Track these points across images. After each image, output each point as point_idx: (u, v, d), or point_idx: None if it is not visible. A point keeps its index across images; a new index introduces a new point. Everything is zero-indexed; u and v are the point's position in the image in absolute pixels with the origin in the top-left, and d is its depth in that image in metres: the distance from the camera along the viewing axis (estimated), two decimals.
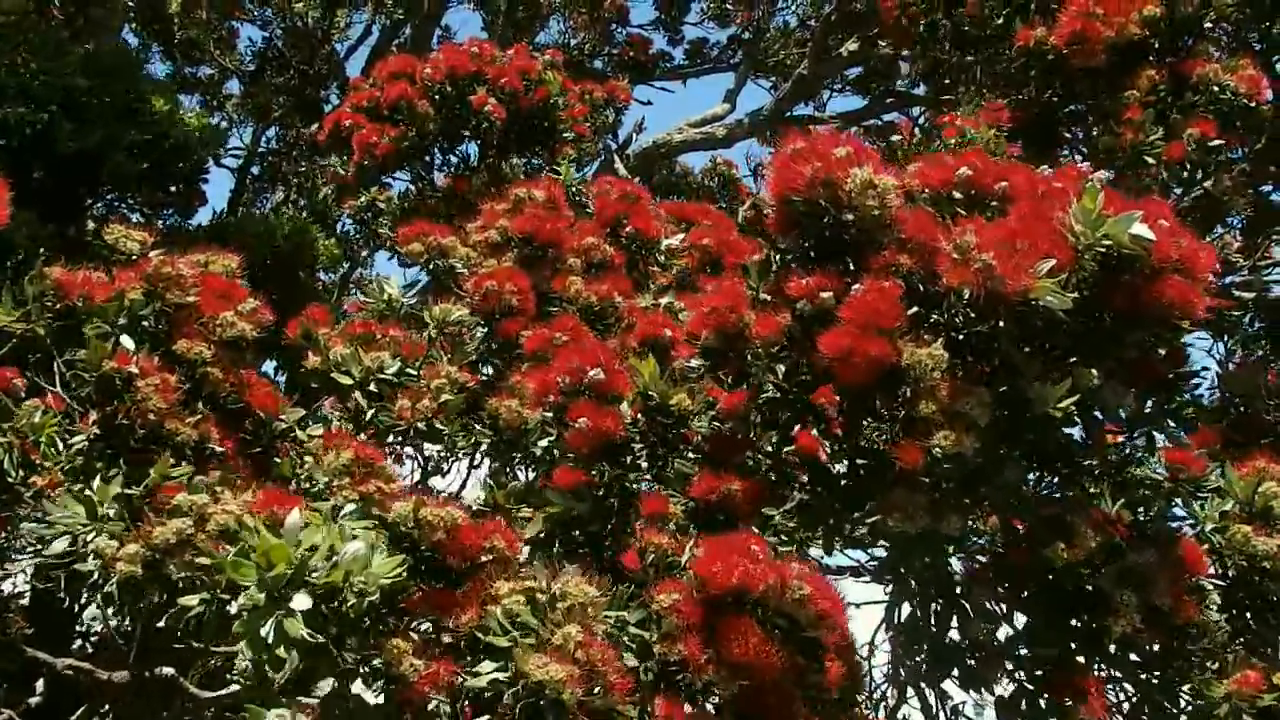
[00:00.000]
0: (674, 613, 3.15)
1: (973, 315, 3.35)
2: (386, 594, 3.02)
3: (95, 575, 3.45)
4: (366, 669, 3.11)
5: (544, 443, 4.53)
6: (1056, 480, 3.96)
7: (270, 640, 2.74)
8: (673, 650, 3.13)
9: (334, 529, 2.94)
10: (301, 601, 2.77)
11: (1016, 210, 3.37)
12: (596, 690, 2.88)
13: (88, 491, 3.61)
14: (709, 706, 3.19)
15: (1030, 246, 3.18)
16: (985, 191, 3.54)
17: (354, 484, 3.60)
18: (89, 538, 3.52)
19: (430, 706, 2.98)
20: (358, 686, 3.17)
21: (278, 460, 4.15)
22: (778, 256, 3.75)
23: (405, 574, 3.05)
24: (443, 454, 5.11)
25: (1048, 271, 3.17)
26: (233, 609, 2.94)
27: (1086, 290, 3.28)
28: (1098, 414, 3.60)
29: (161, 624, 3.47)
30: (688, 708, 3.12)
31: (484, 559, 3.34)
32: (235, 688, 3.67)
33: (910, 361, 3.25)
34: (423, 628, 3.17)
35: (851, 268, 3.52)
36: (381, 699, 3.12)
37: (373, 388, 4.58)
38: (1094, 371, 3.33)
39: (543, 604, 3.06)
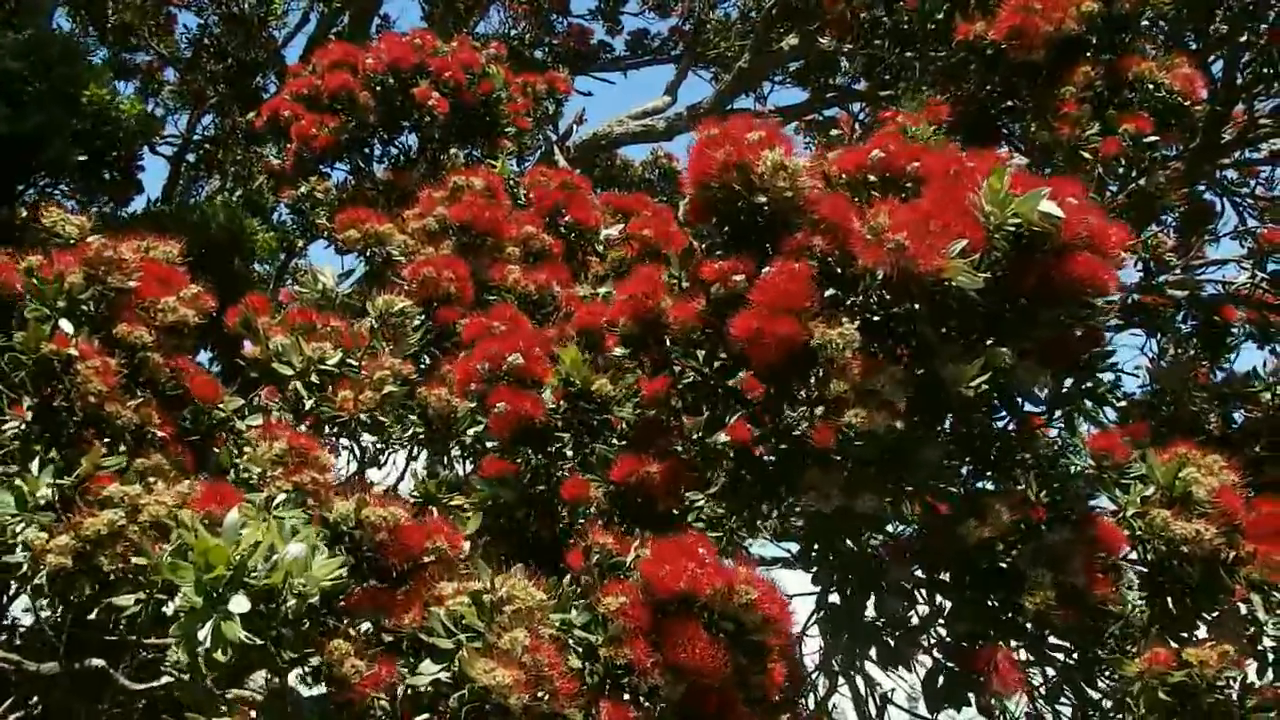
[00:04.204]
0: (621, 615, 3.13)
1: (887, 296, 3.38)
2: (326, 594, 2.98)
3: (24, 567, 3.38)
4: (305, 668, 3.07)
5: (473, 431, 4.51)
6: (978, 463, 3.98)
7: (208, 644, 2.69)
8: (619, 654, 3.10)
9: (273, 527, 2.89)
10: (240, 604, 2.73)
11: (929, 191, 3.39)
12: (543, 695, 2.86)
13: (19, 481, 3.55)
14: (654, 709, 3.16)
15: (943, 227, 3.21)
16: (899, 173, 3.57)
17: (287, 474, 3.55)
18: (18, 529, 3.45)
19: (369, 706, 2.94)
20: (293, 680, 3.14)
21: (216, 450, 4.10)
22: (699, 244, 3.76)
23: (345, 574, 3.01)
24: (379, 445, 5.06)
25: (960, 251, 3.20)
26: (168, 609, 2.88)
27: (999, 270, 3.32)
28: (1019, 397, 3.63)
29: (93, 617, 3.41)
30: (633, 711, 3.09)
31: (426, 559, 3.30)
32: (167, 680, 3.63)
33: (821, 341, 3.27)
34: (363, 627, 3.12)
35: (769, 251, 3.53)
36: (319, 697, 3.08)
37: (313, 378, 4.52)
38: (1006, 351, 3.35)
39: (489, 607, 3.03)
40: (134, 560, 3.14)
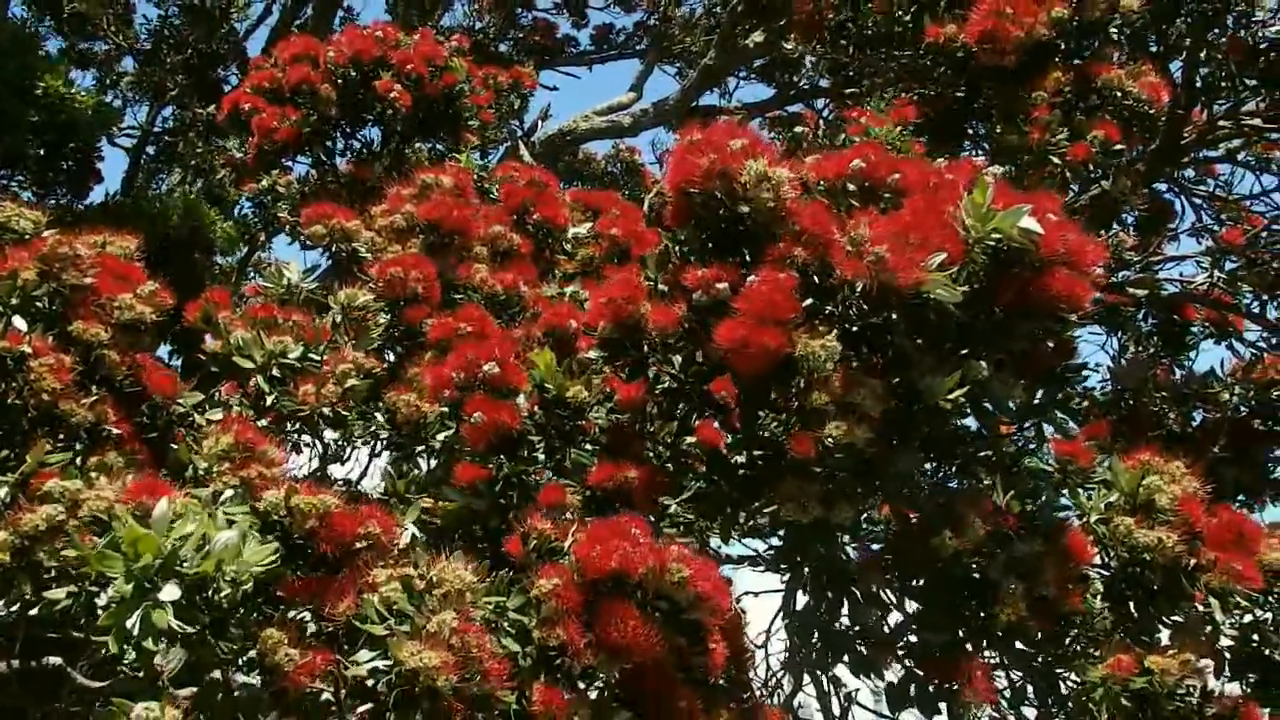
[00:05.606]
0: (554, 598, 3.10)
1: (866, 308, 3.40)
2: (261, 583, 2.95)
3: None
4: (244, 659, 3.04)
5: (443, 436, 4.48)
6: (949, 471, 4.01)
7: (136, 632, 2.65)
8: (552, 635, 3.07)
9: (206, 518, 2.86)
10: (170, 592, 2.69)
11: (910, 203, 3.41)
12: (472, 677, 2.84)
13: None
14: (590, 691, 3.16)
15: (922, 240, 3.23)
16: (879, 184, 3.58)
17: (234, 469, 3.51)
18: None
19: (306, 695, 2.91)
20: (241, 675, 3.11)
21: (174, 445, 4.05)
22: (676, 248, 3.75)
23: (279, 562, 2.97)
24: (340, 442, 5.03)
25: (939, 264, 3.22)
26: (101, 600, 2.86)
27: (977, 283, 3.35)
28: (989, 406, 3.66)
29: (35, 613, 3.36)
30: (568, 693, 3.09)
31: (359, 546, 3.26)
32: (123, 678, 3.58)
33: (804, 352, 3.28)
34: (301, 616, 3.09)
35: (748, 259, 3.53)
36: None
37: (275, 372, 4.48)
38: (983, 364, 3.38)
39: (419, 591, 3.02)
40: (67, 554, 3.08)
